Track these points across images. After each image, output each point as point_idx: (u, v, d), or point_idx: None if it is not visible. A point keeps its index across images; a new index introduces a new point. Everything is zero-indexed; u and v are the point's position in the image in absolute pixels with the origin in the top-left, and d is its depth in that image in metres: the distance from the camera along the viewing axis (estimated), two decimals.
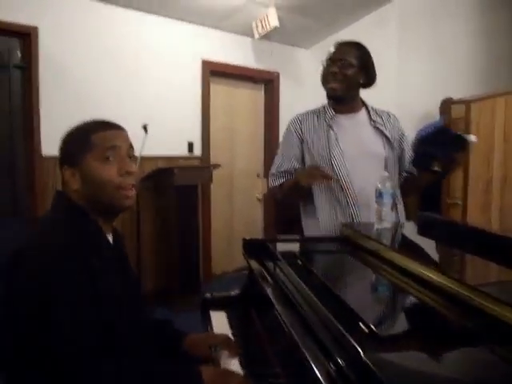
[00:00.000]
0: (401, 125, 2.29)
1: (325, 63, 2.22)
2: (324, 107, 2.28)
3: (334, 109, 2.23)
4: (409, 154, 2.26)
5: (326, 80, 2.19)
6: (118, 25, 4.37)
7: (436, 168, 1.86)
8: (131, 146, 1.38)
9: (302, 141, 2.24)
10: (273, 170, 2.33)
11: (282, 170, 2.28)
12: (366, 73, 2.20)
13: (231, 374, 1.29)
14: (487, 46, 4.12)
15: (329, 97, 2.24)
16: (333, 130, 2.18)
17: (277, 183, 2.30)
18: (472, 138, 1.87)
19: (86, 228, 1.27)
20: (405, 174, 2.29)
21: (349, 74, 2.14)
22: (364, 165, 2.12)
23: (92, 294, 1.14)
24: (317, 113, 2.28)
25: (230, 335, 1.57)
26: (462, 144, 1.86)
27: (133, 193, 1.34)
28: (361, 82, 2.20)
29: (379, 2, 4.81)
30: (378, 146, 2.17)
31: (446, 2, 4.43)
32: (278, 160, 2.32)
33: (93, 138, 1.28)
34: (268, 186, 2.38)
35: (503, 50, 4.02)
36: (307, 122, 2.26)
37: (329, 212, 2.15)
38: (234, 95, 5.56)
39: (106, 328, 1.16)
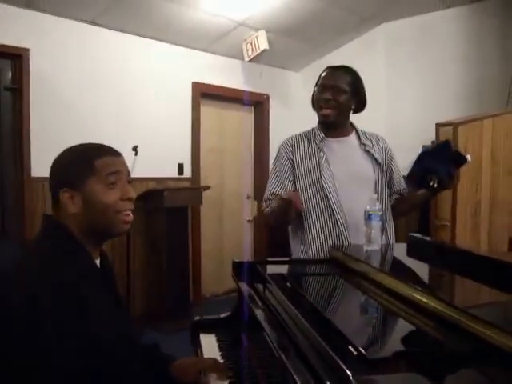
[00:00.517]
0: (390, 147, 2.31)
1: (316, 89, 2.24)
2: (314, 130, 2.29)
3: (324, 132, 2.25)
4: (398, 175, 2.28)
5: (318, 106, 2.21)
6: (109, 47, 4.40)
7: (433, 184, 1.87)
8: (129, 172, 1.39)
9: (292, 163, 2.25)
10: (266, 194, 2.32)
11: (275, 193, 2.26)
12: (358, 98, 2.23)
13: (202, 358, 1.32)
14: (475, 68, 4.19)
15: (321, 122, 2.25)
16: (323, 152, 2.20)
17: (270, 209, 2.30)
18: (468, 157, 1.89)
19: (75, 254, 1.26)
20: (395, 196, 2.30)
21: (341, 100, 2.16)
22: (354, 187, 2.13)
23: (80, 321, 1.13)
24: (307, 135, 2.29)
25: (219, 357, 1.56)
26: (460, 161, 1.88)
27: (131, 218, 1.34)
28: (352, 107, 2.23)
29: (367, 25, 4.89)
30: (367, 169, 2.19)
31: (432, 28, 4.52)
32: (270, 184, 2.31)
33: (96, 163, 1.28)
34: (262, 211, 2.38)
35: (492, 73, 4.08)
36: (297, 145, 2.27)
37: (318, 234, 2.15)
38: (223, 117, 5.59)
39: (95, 350, 1.14)
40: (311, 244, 2.16)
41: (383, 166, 2.21)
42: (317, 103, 2.23)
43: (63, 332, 1.09)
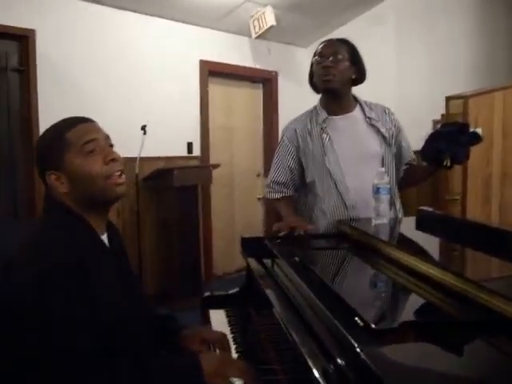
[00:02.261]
0: (396, 118, 2.27)
1: (314, 60, 2.21)
2: (316, 109, 2.26)
3: (326, 110, 2.22)
4: (407, 146, 2.26)
5: (318, 75, 2.17)
6: (116, 27, 4.38)
7: (447, 163, 1.85)
8: (107, 136, 1.36)
9: (297, 148, 2.23)
10: (268, 180, 2.35)
11: (278, 181, 2.28)
12: (358, 68, 2.20)
13: (231, 360, 1.30)
14: (485, 43, 4.12)
15: (324, 91, 2.21)
16: (326, 133, 2.17)
17: (272, 196, 2.32)
18: (479, 130, 1.86)
19: (78, 230, 1.25)
20: (405, 167, 2.28)
21: (342, 67, 2.13)
22: (361, 165, 2.12)
23: (87, 298, 1.13)
24: (309, 115, 2.26)
25: (229, 332, 1.57)
26: (476, 140, 1.85)
27: (123, 179, 1.32)
28: (353, 77, 2.19)
29: (376, 0, 4.81)
30: (374, 145, 2.17)
31: (442, 1, 4.44)
32: (272, 171, 2.32)
33: (67, 136, 1.26)
34: (264, 195, 2.39)
35: (501, 46, 4.02)
36: (300, 127, 2.24)
37: (327, 216, 2.14)
38: (232, 95, 5.56)
39: (104, 330, 1.15)
40: (320, 226, 2.15)
41: (389, 140, 2.18)
42: (317, 73, 2.19)
43: (68, 309, 1.09)
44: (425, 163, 1.99)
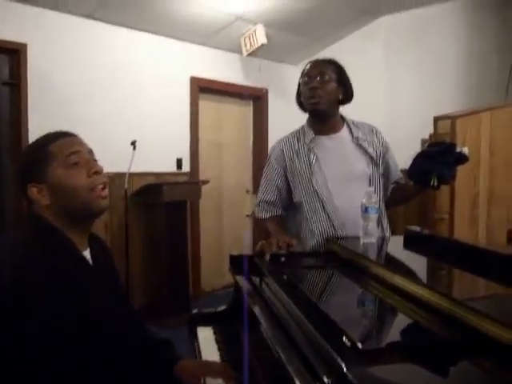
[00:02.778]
0: (383, 137, 2.29)
1: (302, 81, 2.23)
2: (303, 128, 2.27)
3: (314, 130, 2.23)
4: (394, 165, 2.28)
5: (306, 97, 2.19)
6: (107, 41, 4.39)
7: (433, 183, 1.86)
8: (91, 150, 1.36)
9: (284, 168, 2.24)
10: (257, 200, 2.37)
11: (267, 201, 2.30)
12: (345, 88, 2.22)
13: (209, 362, 1.31)
14: (475, 63, 4.18)
15: (311, 112, 2.23)
16: (314, 153, 2.18)
17: (262, 215, 2.34)
18: (466, 150, 1.87)
19: (56, 246, 1.23)
20: (392, 185, 2.29)
21: (328, 88, 2.15)
22: (348, 185, 2.12)
23: (70, 319, 1.11)
24: (297, 135, 2.27)
25: (216, 350, 1.56)
26: (462, 160, 1.86)
27: (106, 192, 1.31)
28: (340, 97, 2.21)
29: (366, 19, 4.88)
30: (361, 165, 2.17)
31: (432, 21, 4.51)
32: (261, 190, 2.34)
33: (51, 149, 1.26)
34: (254, 214, 2.40)
35: (490, 66, 4.08)
36: (287, 147, 2.25)
37: (315, 236, 2.14)
38: (222, 111, 5.59)
39: (86, 353, 1.12)
40: (308, 246, 2.14)
41: (377, 159, 2.19)
42: (304, 94, 2.20)
43: (47, 328, 1.07)
44: (412, 183, 2.00)
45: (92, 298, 1.21)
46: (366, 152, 2.18)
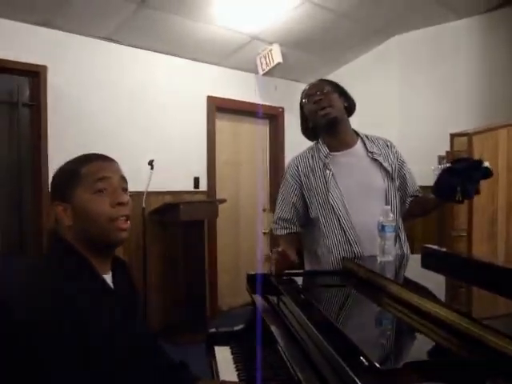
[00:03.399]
0: (398, 151, 2.29)
1: (304, 103, 2.27)
2: (318, 145, 2.28)
3: (328, 146, 2.24)
4: (411, 178, 2.28)
5: (314, 111, 2.21)
6: (125, 63, 4.47)
7: (459, 198, 1.87)
8: (123, 178, 1.33)
9: (300, 185, 2.25)
10: (274, 217, 2.38)
11: (283, 218, 2.30)
12: (346, 97, 2.25)
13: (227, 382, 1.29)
14: (489, 80, 4.17)
15: (326, 125, 2.21)
16: (329, 169, 2.18)
17: (279, 232, 2.33)
18: (487, 163, 1.88)
19: (77, 268, 1.22)
20: (410, 199, 2.29)
21: (332, 97, 2.18)
22: (364, 201, 2.12)
23: (82, 345, 1.09)
24: (311, 152, 2.28)
25: (234, 370, 1.56)
26: (487, 175, 1.86)
27: (127, 225, 1.29)
28: (345, 105, 2.24)
29: (380, 38, 4.91)
30: (377, 180, 2.17)
31: (444, 39, 4.52)
32: (278, 208, 2.35)
33: (82, 171, 1.25)
34: (272, 232, 2.41)
35: (504, 84, 4.06)
36: (303, 164, 2.26)
37: (332, 251, 2.13)
38: (239, 130, 5.62)
39: (104, 378, 1.12)
40: (326, 263, 2.15)
41: (393, 173, 2.19)
42: (311, 113, 2.23)
43: (62, 357, 1.07)
44: (433, 196, 2.00)
45: (105, 324, 1.19)
46: (381, 166, 2.18)
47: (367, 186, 2.15)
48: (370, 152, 2.20)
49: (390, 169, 2.18)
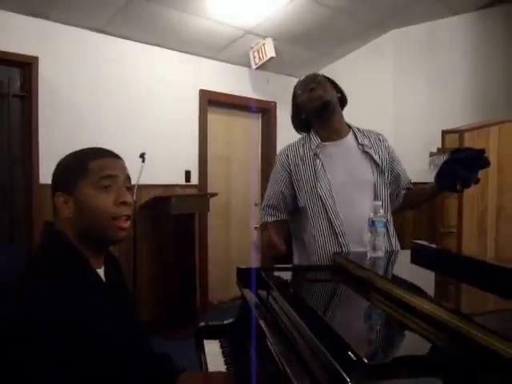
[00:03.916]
0: (390, 145, 2.31)
1: (297, 94, 2.30)
2: (310, 135, 2.29)
3: (320, 136, 2.25)
4: (403, 171, 2.31)
5: (308, 99, 2.22)
6: (117, 55, 4.45)
7: (459, 187, 1.89)
8: (128, 177, 1.34)
9: (290, 173, 2.26)
10: (262, 204, 2.41)
11: (271, 205, 2.33)
12: (337, 89, 2.28)
13: (212, 376, 1.31)
14: (482, 77, 4.18)
15: (320, 109, 2.20)
16: (319, 158, 2.19)
17: (267, 219, 2.36)
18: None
19: (70, 263, 1.21)
20: (403, 192, 2.31)
21: (325, 85, 2.21)
22: (352, 192, 2.14)
23: (78, 333, 1.09)
24: (303, 141, 2.29)
25: (223, 364, 1.56)
26: (486, 166, 1.89)
27: (127, 224, 1.29)
28: (338, 95, 2.27)
29: (374, 32, 4.90)
30: (366, 173, 2.18)
31: (439, 35, 4.53)
32: (266, 195, 2.38)
33: (90, 165, 1.24)
34: (261, 219, 2.42)
35: (497, 81, 4.08)
36: (293, 153, 2.28)
37: (318, 242, 2.15)
38: (231, 124, 5.62)
39: (94, 367, 1.11)
40: (312, 252, 2.17)
41: (383, 167, 2.20)
42: (306, 99, 2.24)
43: (56, 347, 1.06)
44: (428, 185, 2.03)
45: (99, 318, 1.19)
46: (371, 159, 2.19)
47: (356, 177, 2.16)
48: (361, 144, 2.21)
49: (380, 162, 2.19)
